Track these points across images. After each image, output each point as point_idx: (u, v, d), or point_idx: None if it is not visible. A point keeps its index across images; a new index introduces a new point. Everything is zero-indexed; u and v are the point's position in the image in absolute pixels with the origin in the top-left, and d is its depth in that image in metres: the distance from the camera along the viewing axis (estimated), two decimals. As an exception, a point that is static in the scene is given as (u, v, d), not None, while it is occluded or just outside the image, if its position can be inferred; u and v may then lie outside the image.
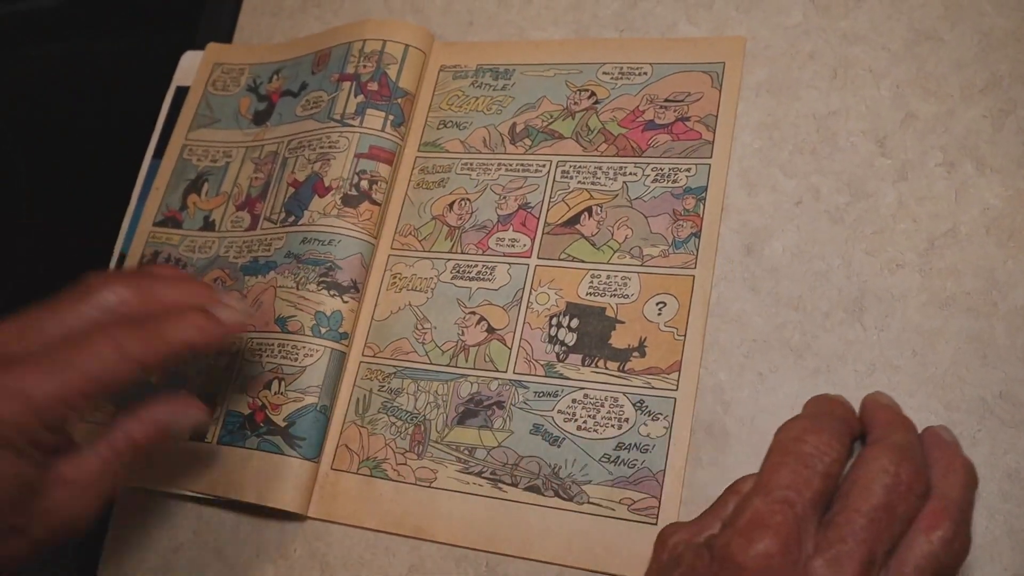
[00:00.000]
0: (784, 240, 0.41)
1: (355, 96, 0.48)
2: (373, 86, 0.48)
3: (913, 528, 0.28)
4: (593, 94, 0.46)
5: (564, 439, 0.40)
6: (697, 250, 0.41)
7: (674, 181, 0.43)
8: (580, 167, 0.45)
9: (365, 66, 0.49)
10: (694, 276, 0.41)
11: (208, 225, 0.50)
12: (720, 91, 0.44)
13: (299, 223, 0.46)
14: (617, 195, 0.44)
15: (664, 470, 0.38)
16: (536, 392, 0.41)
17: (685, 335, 0.40)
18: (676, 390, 0.39)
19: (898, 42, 0.43)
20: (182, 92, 0.55)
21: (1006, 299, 0.38)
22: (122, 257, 0.52)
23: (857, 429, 0.32)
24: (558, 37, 0.49)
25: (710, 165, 0.43)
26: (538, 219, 0.44)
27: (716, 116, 0.44)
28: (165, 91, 0.56)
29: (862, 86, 0.43)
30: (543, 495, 0.39)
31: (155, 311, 0.35)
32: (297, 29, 0.56)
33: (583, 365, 0.41)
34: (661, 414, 0.39)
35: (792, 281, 0.40)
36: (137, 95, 0.61)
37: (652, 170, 0.44)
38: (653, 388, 0.40)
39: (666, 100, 0.45)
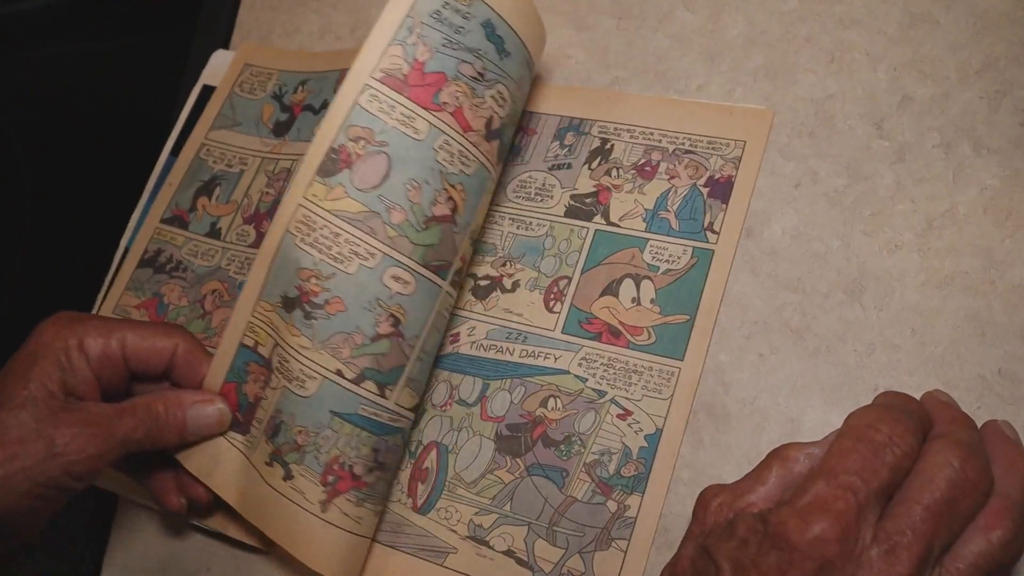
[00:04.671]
0: (783, 223, 0.41)
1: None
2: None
3: (972, 525, 0.28)
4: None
5: None
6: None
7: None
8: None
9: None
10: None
11: (214, 232, 0.50)
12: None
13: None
14: None
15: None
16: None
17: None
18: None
19: (893, 25, 0.43)
20: (208, 92, 0.55)
21: (1004, 278, 0.38)
22: (125, 251, 0.52)
23: (928, 429, 0.31)
24: (554, 25, 0.48)
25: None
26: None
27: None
28: (176, 84, 0.56)
29: (858, 69, 0.43)
30: None
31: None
32: (296, 22, 0.56)
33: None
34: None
35: (791, 263, 0.40)
36: (148, 88, 0.60)
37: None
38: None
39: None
